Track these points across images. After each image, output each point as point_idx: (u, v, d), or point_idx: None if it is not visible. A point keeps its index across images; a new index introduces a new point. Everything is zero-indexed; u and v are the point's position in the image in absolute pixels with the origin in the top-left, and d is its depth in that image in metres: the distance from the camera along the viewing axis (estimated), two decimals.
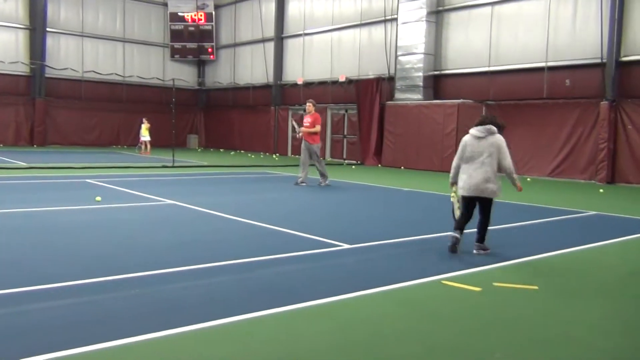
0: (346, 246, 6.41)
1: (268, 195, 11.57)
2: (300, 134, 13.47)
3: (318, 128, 13.31)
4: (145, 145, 25.07)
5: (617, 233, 8.01)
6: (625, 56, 16.52)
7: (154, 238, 6.59)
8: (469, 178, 6.27)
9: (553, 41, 17.92)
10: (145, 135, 24.97)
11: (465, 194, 6.32)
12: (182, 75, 32.64)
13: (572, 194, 13.62)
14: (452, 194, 6.61)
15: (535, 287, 4.92)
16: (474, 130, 6.32)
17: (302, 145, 13.47)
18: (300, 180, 13.41)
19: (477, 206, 6.39)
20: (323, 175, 13.41)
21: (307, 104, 13.61)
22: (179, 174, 15.68)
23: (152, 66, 32.14)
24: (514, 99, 18.78)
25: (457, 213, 6.53)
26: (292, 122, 13.63)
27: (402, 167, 20.48)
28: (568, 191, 14.27)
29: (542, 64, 18.12)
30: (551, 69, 17.97)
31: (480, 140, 6.25)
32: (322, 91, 25.83)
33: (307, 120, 13.45)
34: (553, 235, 7.82)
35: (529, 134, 18.04)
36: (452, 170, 6.50)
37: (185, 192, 11.42)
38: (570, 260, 6.23)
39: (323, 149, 25.16)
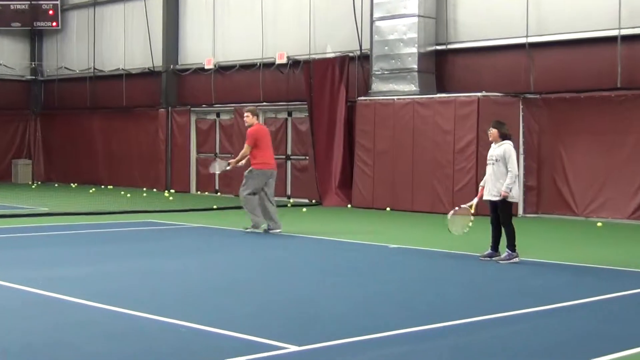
0: (294, 348, 6.40)
1: (156, 262, 11.49)
2: (229, 167, 14.98)
3: (246, 150, 14.50)
4: None
5: None
6: None
7: None
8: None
9: None
10: None
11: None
12: (3, 56, 32.27)
13: None
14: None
15: None
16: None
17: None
18: (268, 226, 14.67)
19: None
20: (252, 217, 14.50)
21: (245, 114, 14.83)
22: None
23: None
24: (568, 91, 19.23)
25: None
26: (215, 165, 16.05)
27: (388, 209, 20.62)
28: None
29: (613, 32, 18.66)
30: (627, 39, 18.50)
31: None
32: (247, 80, 25.90)
33: None
34: (636, 321, 8.01)
35: (596, 150, 18.43)
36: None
37: (10, 260, 11.26)
38: None
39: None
